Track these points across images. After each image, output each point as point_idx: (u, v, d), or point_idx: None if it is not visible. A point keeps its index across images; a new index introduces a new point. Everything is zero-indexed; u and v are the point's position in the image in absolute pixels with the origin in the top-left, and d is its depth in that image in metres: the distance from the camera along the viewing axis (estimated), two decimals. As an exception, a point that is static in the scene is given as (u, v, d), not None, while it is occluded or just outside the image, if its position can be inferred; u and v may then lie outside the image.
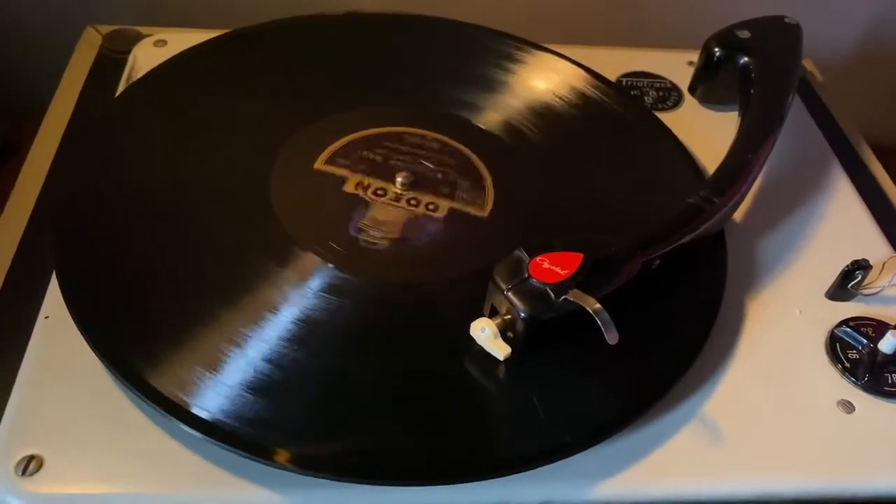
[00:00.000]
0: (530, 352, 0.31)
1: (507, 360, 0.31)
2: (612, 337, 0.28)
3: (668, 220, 0.34)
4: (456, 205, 0.38)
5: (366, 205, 0.37)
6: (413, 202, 0.38)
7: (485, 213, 0.38)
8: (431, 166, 0.39)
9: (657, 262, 0.33)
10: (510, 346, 0.31)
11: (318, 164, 0.39)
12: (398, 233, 0.36)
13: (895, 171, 0.47)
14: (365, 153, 0.39)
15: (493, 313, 0.32)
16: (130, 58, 0.46)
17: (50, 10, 0.60)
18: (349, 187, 0.38)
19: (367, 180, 0.38)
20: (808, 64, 0.53)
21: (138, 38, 0.48)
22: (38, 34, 0.61)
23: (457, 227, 0.37)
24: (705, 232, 0.35)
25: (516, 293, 0.30)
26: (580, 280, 0.30)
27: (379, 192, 0.38)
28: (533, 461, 0.29)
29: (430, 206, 0.37)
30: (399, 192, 0.38)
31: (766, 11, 0.46)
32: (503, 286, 0.30)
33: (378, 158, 0.39)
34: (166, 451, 0.29)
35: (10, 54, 0.62)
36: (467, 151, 0.40)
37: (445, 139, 0.41)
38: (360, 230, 0.36)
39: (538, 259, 0.30)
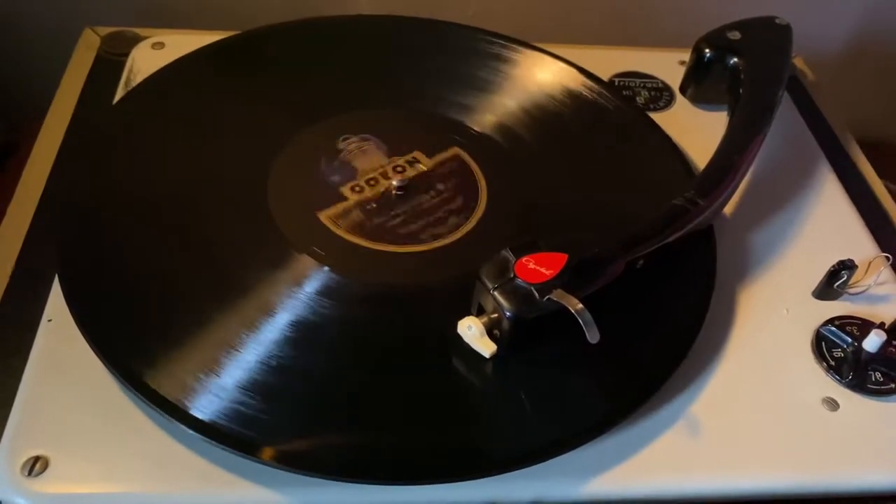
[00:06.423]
0: (516, 350, 0.32)
1: (498, 360, 0.32)
2: (592, 336, 0.29)
3: (653, 221, 0.35)
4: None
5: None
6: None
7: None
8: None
9: (641, 261, 0.33)
10: (496, 344, 0.32)
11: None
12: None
13: (884, 165, 0.48)
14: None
15: (479, 312, 0.32)
16: (129, 60, 0.46)
17: (48, 12, 0.60)
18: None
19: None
20: (798, 62, 0.53)
21: (136, 40, 0.48)
22: (37, 35, 0.61)
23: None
24: (691, 231, 0.35)
25: (502, 292, 0.31)
26: (564, 280, 0.30)
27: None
28: (523, 460, 0.30)
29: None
30: (394, 193, 0.38)
31: (758, 10, 0.46)
32: (489, 285, 0.31)
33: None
34: (168, 452, 0.30)
35: (8, 55, 0.63)
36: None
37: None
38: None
39: (524, 259, 0.31)
